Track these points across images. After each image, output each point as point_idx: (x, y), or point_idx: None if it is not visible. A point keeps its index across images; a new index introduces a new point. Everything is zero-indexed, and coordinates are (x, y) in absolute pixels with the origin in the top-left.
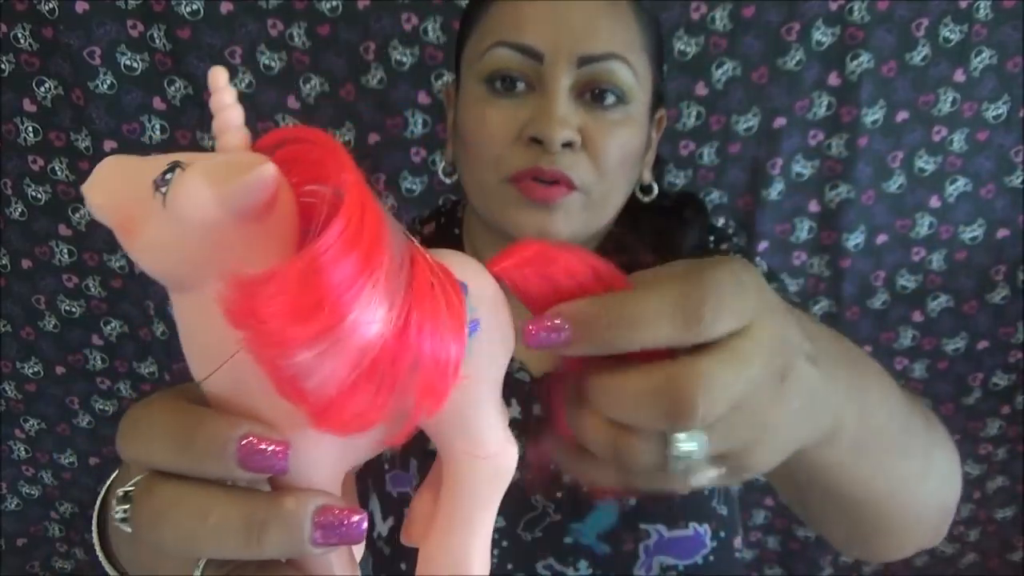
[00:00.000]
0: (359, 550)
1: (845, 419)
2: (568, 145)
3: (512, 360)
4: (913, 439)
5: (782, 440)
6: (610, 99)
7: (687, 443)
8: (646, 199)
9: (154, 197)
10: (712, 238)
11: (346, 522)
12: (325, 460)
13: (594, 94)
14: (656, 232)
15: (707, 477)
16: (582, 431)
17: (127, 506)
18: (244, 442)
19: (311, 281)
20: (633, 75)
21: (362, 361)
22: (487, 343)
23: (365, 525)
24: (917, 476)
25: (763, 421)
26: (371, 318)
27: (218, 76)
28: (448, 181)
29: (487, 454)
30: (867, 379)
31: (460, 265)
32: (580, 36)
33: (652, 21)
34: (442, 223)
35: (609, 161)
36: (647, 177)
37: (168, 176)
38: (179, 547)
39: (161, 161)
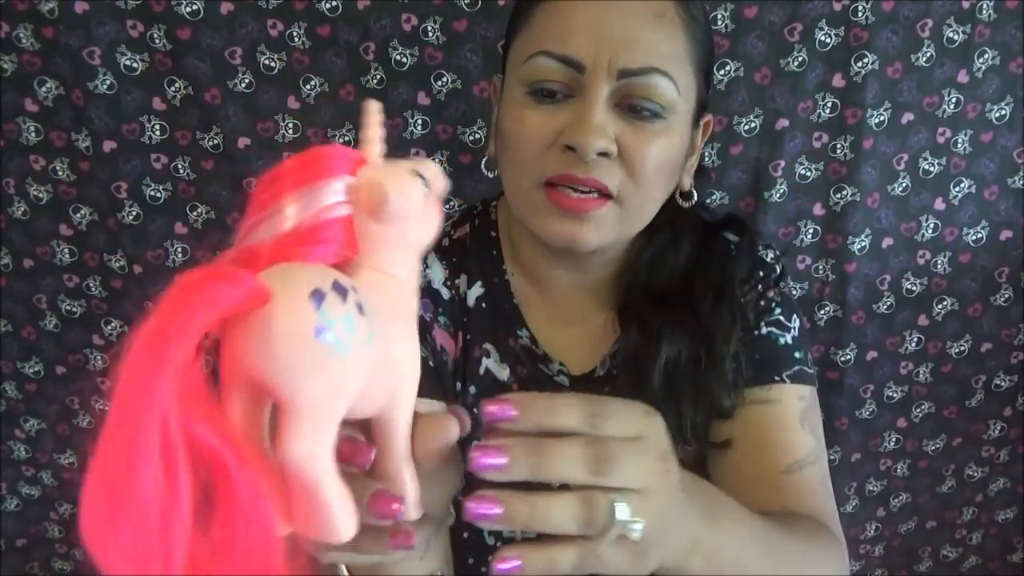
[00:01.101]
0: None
1: (701, 542)
2: (604, 154)
3: (551, 361)
4: (780, 562)
5: (672, 538)
6: (648, 112)
7: (621, 507)
8: (685, 204)
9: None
10: (761, 273)
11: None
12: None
13: (632, 105)
14: (696, 252)
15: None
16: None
17: None
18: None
19: None
20: (675, 88)
21: None
22: None
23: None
24: None
25: (662, 512)
26: None
27: (371, 109)
28: (490, 175)
29: None
30: (721, 513)
31: None
32: (622, 49)
33: (702, 29)
34: (476, 225)
35: (645, 171)
36: (687, 183)
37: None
38: None
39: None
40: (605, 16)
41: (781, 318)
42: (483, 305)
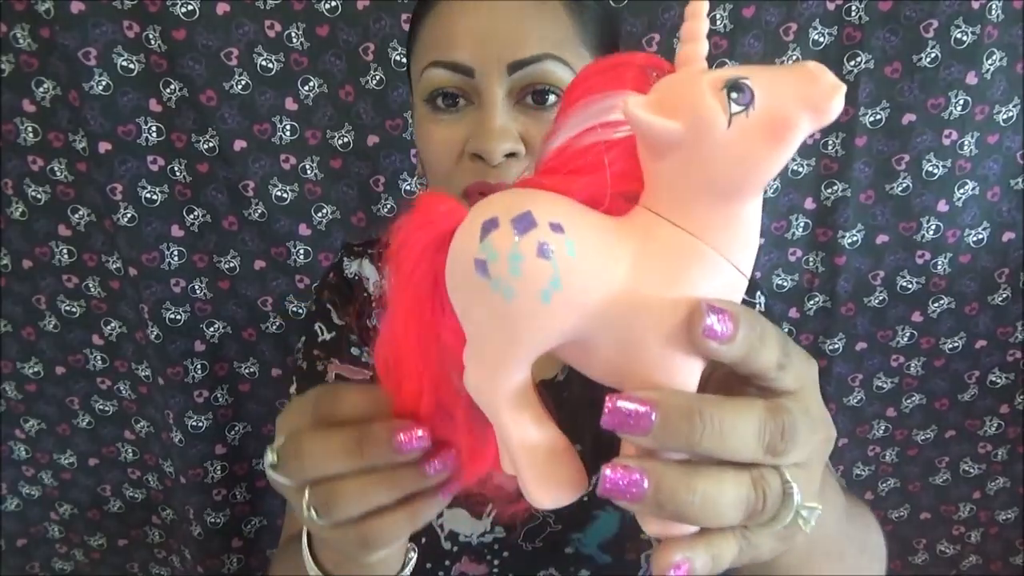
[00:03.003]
0: None
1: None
2: (512, 155)
3: None
4: (848, 545)
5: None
6: (551, 99)
7: (797, 491)
8: None
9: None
10: None
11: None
12: None
13: (534, 96)
14: None
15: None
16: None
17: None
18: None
19: None
20: (571, 72)
21: None
22: None
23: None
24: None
25: (818, 488)
26: None
27: (698, 6)
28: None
29: None
30: (826, 491)
31: None
32: (507, 43)
33: (593, 11)
34: None
35: None
36: None
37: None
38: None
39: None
40: (486, 15)
41: None
42: None
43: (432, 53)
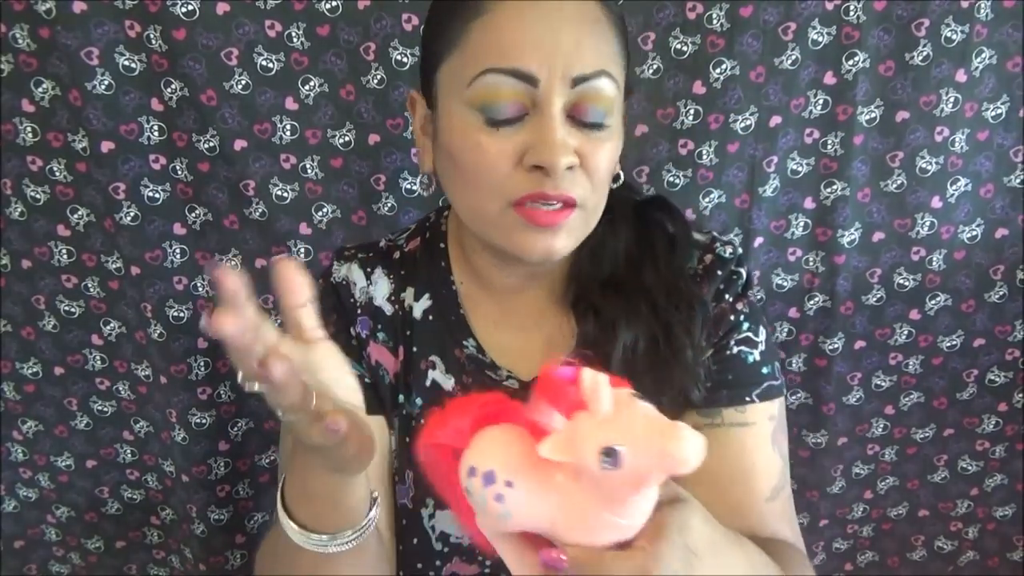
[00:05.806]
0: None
1: None
2: (569, 168)
3: (499, 368)
4: None
5: None
6: (597, 116)
7: None
8: (614, 185)
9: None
10: (720, 273)
11: None
12: None
13: (583, 121)
14: (635, 234)
15: None
16: None
17: None
18: None
19: None
20: (616, 87)
21: None
22: None
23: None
24: None
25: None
26: None
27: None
28: (425, 194)
29: None
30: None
31: None
32: (572, 57)
33: (619, 17)
34: (427, 238)
35: (601, 175)
36: (617, 167)
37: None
38: None
39: None
40: (551, 26)
41: (749, 334)
42: (430, 318)
43: (489, 59)
